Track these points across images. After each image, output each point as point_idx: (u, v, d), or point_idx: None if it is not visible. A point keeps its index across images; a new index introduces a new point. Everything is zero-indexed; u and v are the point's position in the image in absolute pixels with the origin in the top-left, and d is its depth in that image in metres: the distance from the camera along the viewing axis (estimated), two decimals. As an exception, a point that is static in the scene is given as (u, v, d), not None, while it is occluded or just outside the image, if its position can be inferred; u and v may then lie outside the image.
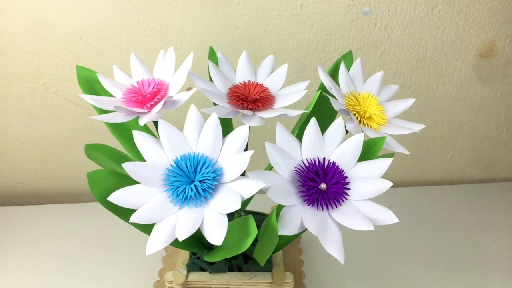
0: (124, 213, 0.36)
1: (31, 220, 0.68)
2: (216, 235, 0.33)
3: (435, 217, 0.70)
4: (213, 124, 0.37)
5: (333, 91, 0.43)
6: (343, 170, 0.38)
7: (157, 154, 0.37)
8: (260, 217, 0.57)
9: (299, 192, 0.37)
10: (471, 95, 0.74)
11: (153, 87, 0.42)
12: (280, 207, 0.36)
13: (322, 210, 0.36)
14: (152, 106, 0.41)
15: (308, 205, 0.36)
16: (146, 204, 0.35)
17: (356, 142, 0.38)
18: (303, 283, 0.55)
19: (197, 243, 0.47)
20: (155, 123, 0.41)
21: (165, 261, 0.58)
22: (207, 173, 0.35)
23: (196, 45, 0.66)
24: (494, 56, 0.72)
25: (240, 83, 0.45)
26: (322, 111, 0.47)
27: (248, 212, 0.58)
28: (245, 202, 0.48)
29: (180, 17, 0.64)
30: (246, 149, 0.37)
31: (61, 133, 0.71)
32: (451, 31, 0.69)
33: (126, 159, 0.47)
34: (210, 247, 0.47)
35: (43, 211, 0.70)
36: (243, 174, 0.36)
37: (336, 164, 0.38)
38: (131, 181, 0.36)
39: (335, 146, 0.39)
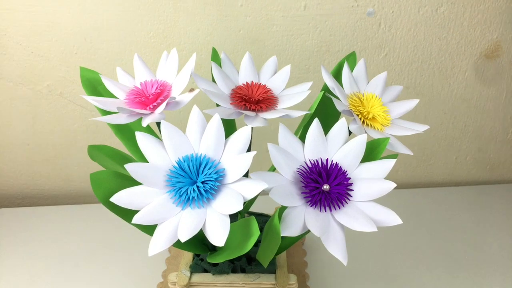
0: (127, 214, 0.36)
1: (35, 221, 0.68)
2: (218, 236, 0.33)
3: (440, 219, 0.70)
4: (216, 125, 0.37)
5: (336, 92, 0.42)
6: (346, 171, 0.38)
7: (159, 155, 0.37)
8: (263, 219, 0.57)
9: (301, 193, 0.36)
10: (476, 96, 0.74)
11: (156, 88, 0.42)
12: (283, 208, 0.36)
13: (325, 211, 0.36)
14: (155, 107, 0.41)
15: (311, 206, 0.36)
16: (148, 205, 0.35)
17: (359, 143, 0.38)
18: (307, 285, 0.55)
19: (200, 245, 0.47)
20: (158, 124, 0.41)
21: (169, 263, 0.58)
22: (209, 174, 0.35)
23: (199, 46, 0.66)
24: (499, 57, 0.71)
25: (243, 84, 0.45)
26: (326, 112, 0.47)
27: (252, 214, 0.58)
28: (249, 204, 0.48)
29: (183, 19, 0.64)
30: (249, 150, 0.37)
31: (65, 134, 0.71)
32: (455, 31, 0.69)
33: (129, 160, 0.47)
34: (213, 249, 0.47)
35: (48, 213, 0.71)
36: (247, 175, 0.36)
37: (339, 165, 0.38)
38: (133, 182, 0.36)
39: (338, 147, 0.39)
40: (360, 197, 0.37)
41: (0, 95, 0.67)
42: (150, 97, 0.42)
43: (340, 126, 0.39)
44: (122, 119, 0.40)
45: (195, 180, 0.36)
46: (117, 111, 0.40)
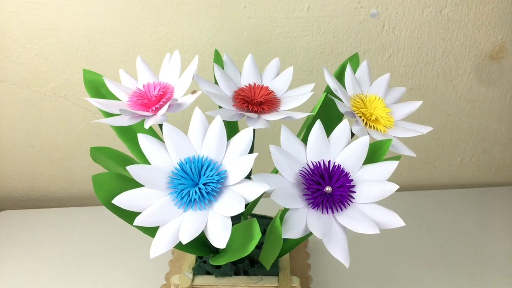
0: (129, 216, 0.36)
1: (39, 223, 0.69)
2: (219, 238, 0.33)
3: (444, 221, 0.69)
4: (218, 127, 0.37)
5: (339, 94, 0.42)
6: (349, 173, 0.38)
7: (161, 157, 0.37)
8: (266, 221, 0.57)
9: (303, 195, 0.36)
10: (481, 97, 0.74)
11: (159, 90, 0.42)
12: (285, 211, 0.35)
13: (327, 213, 0.36)
14: (157, 109, 0.41)
15: (313, 208, 0.36)
16: (150, 207, 0.35)
17: (361, 145, 0.38)
18: (310, 287, 0.55)
19: (203, 247, 0.47)
20: (161, 126, 0.41)
21: (172, 265, 0.58)
22: (211, 176, 0.35)
23: (202, 48, 0.66)
24: (504, 58, 0.71)
25: (245, 85, 0.45)
26: (328, 113, 0.47)
27: (255, 216, 0.58)
28: (252, 206, 0.48)
29: (186, 21, 0.64)
30: (251, 152, 0.37)
31: (69, 137, 0.71)
32: (460, 32, 0.69)
33: (132, 162, 0.47)
34: (216, 251, 0.47)
35: (51, 215, 0.71)
36: (249, 177, 0.36)
37: (342, 167, 0.38)
38: (136, 184, 0.36)
39: (341, 148, 0.39)
40: (362, 199, 0.37)
41: (4, 98, 0.68)
42: (153, 99, 0.42)
43: (343, 128, 0.39)
44: (124, 121, 0.40)
45: (197, 182, 0.36)
46: (119, 113, 0.40)
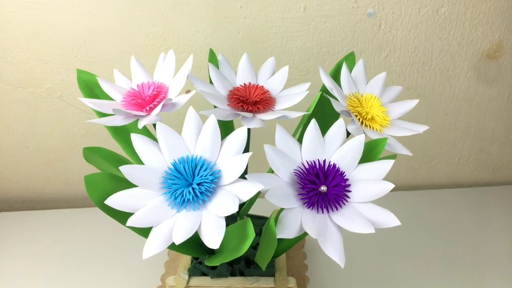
0: (123, 216, 0.36)
1: (35, 225, 0.68)
2: (213, 238, 0.32)
3: (442, 221, 0.69)
4: (212, 126, 0.37)
5: (335, 93, 0.42)
6: (344, 172, 0.37)
7: (155, 157, 0.36)
8: (263, 221, 0.57)
9: (298, 194, 0.36)
10: (478, 96, 0.73)
11: (153, 90, 0.42)
12: (281, 211, 0.35)
13: (322, 213, 0.35)
14: (151, 109, 0.41)
15: (308, 208, 0.36)
16: (143, 207, 0.34)
17: (357, 144, 0.38)
18: (307, 288, 0.54)
19: (198, 248, 0.46)
20: (155, 126, 0.41)
21: (168, 266, 0.57)
22: (205, 176, 0.35)
23: (198, 48, 0.66)
24: (501, 57, 0.71)
25: (240, 85, 0.45)
26: (324, 113, 0.46)
27: (251, 216, 0.57)
28: (248, 206, 0.47)
29: (182, 21, 0.64)
30: (247, 151, 0.37)
31: (65, 138, 0.71)
32: (457, 32, 0.68)
33: (125, 162, 0.47)
34: (211, 252, 0.47)
35: (47, 216, 0.70)
36: (244, 177, 0.35)
37: (337, 166, 0.37)
38: (129, 185, 0.35)
39: (336, 148, 0.38)
40: (358, 199, 0.36)
41: (-1, 99, 0.68)
42: (147, 99, 0.41)
43: (338, 127, 0.39)
44: (118, 121, 0.40)
45: (190, 182, 0.35)
46: (113, 113, 0.40)
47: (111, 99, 0.44)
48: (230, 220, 0.52)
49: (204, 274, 0.48)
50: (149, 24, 0.64)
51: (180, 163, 0.36)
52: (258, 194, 0.37)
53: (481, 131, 0.76)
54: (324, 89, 0.47)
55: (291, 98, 0.43)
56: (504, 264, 0.61)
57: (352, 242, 0.50)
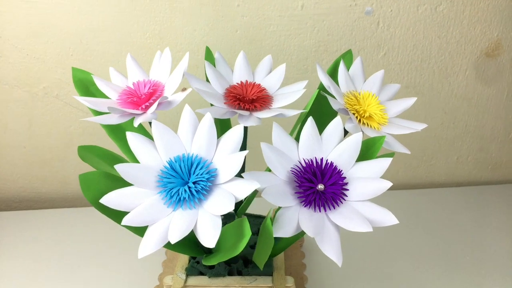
0: (118, 215, 0.36)
1: (32, 225, 0.68)
2: (209, 237, 0.32)
3: (441, 220, 0.69)
4: (208, 125, 0.36)
5: (332, 90, 0.42)
6: (341, 171, 0.37)
7: (150, 156, 0.36)
8: (261, 220, 0.56)
9: (295, 193, 0.36)
10: (477, 95, 0.73)
11: (149, 88, 0.42)
12: (279, 210, 0.35)
13: (320, 211, 0.35)
14: (147, 107, 0.40)
15: (305, 206, 0.35)
16: (139, 206, 0.34)
17: (354, 142, 0.37)
18: (305, 287, 0.54)
19: (195, 247, 0.46)
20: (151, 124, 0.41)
21: (165, 265, 0.57)
22: (201, 174, 0.35)
23: (196, 47, 0.66)
24: (500, 55, 0.70)
25: (237, 83, 0.44)
26: (321, 111, 0.46)
27: (249, 215, 0.57)
28: (245, 205, 0.47)
29: (179, 19, 0.64)
30: (244, 149, 0.37)
31: (62, 137, 0.71)
32: (455, 30, 0.68)
33: (120, 160, 0.46)
34: (209, 251, 0.47)
35: (44, 216, 0.70)
36: (241, 175, 0.35)
37: (334, 165, 0.37)
38: (124, 183, 0.35)
39: (333, 146, 0.38)
40: (355, 197, 0.36)
41: (-4, 98, 0.67)
42: (143, 97, 0.41)
43: (335, 125, 0.38)
44: (113, 119, 0.40)
45: (186, 181, 0.35)
46: (109, 111, 0.39)
47: (106, 97, 0.43)
48: (227, 219, 0.51)
49: (201, 274, 0.47)
50: (146, 22, 0.64)
51: (176, 161, 0.36)
52: (256, 193, 0.37)
53: (480, 129, 0.76)
54: (322, 87, 0.47)
55: (288, 96, 0.43)
56: (503, 263, 0.60)
57: (350, 241, 0.50)
